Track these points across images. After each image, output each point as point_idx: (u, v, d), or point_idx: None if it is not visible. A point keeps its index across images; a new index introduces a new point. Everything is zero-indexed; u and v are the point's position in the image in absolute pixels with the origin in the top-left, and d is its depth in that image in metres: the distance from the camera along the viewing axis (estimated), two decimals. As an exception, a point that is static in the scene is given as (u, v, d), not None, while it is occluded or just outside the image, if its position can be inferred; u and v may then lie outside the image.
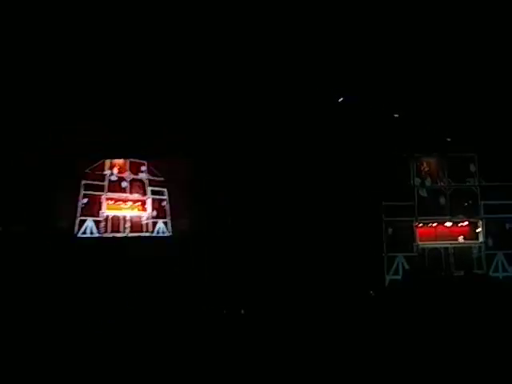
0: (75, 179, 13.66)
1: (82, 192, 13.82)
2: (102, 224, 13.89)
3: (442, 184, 14.94)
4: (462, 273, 12.86)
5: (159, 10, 11.06)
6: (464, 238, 14.69)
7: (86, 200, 13.80)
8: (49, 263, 12.10)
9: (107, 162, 14.17)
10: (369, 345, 6.67)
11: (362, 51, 12.21)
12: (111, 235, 13.91)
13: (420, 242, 14.59)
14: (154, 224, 14.37)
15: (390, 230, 14.53)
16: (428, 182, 14.94)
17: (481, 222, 14.74)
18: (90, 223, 13.74)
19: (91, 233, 13.72)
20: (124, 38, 11.62)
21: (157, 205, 14.49)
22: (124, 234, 13.99)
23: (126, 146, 13.54)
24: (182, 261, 13.09)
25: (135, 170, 14.40)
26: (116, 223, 14.07)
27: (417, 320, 7.28)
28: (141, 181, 14.41)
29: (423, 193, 14.87)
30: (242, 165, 13.66)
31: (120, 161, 14.27)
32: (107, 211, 14.00)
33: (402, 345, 6.57)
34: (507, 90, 13.15)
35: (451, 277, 12.57)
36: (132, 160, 14.37)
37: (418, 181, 14.91)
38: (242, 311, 9.25)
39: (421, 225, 14.71)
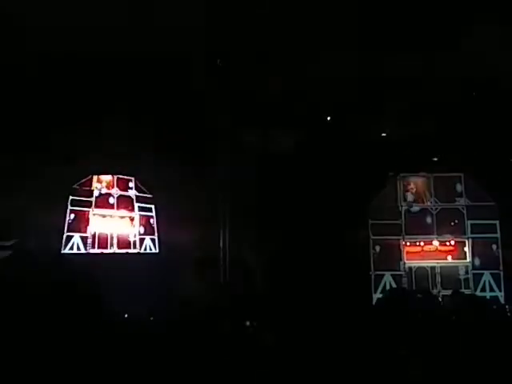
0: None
1: (69, 207, 13.75)
2: (89, 240, 13.82)
3: (428, 203, 15.02)
4: (448, 292, 12.90)
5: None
6: (452, 258, 14.76)
7: (72, 216, 13.73)
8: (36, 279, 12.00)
9: (95, 178, 14.11)
10: (355, 362, 6.65)
11: (351, 70, 12.28)
12: (98, 251, 13.83)
13: (407, 261, 14.65)
14: (142, 241, 14.31)
15: (378, 248, 14.59)
16: (412, 199, 15.01)
17: (467, 242, 14.82)
18: (76, 239, 13.66)
19: (78, 249, 13.65)
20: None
21: (144, 221, 14.43)
22: (111, 251, 13.91)
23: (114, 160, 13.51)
24: (169, 277, 13.04)
25: (123, 186, 14.35)
26: (103, 239, 13.99)
27: (402, 339, 7.27)
28: (128, 197, 14.36)
29: (414, 209, 14.94)
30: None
31: (107, 177, 14.21)
32: (94, 227, 13.93)
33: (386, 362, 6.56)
34: (494, 110, 13.27)
35: (436, 297, 12.56)
36: (120, 176, 14.31)
37: (408, 198, 14.99)
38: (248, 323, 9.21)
39: (408, 243, 14.78)
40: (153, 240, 14.39)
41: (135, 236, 14.28)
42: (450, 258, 14.80)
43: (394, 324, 7.91)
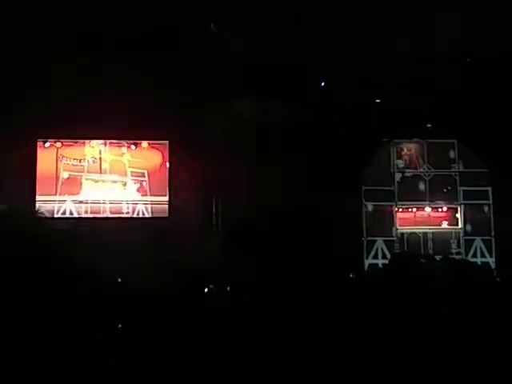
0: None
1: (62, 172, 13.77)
2: (82, 205, 13.84)
3: (421, 170, 15.04)
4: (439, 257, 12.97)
5: None
6: (442, 224, 14.84)
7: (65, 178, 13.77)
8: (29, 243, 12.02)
9: (87, 142, 14.07)
10: (350, 331, 6.65)
11: (346, 35, 12.20)
12: (91, 216, 13.85)
13: (399, 227, 14.71)
14: (134, 206, 14.29)
15: (370, 209, 14.61)
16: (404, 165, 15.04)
17: (459, 208, 14.88)
18: (69, 204, 13.68)
19: (70, 213, 13.68)
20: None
21: (139, 186, 14.39)
22: (104, 215, 13.92)
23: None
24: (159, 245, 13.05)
25: (115, 151, 14.29)
26: (96, 205, 14.00)
27: (398, 305, 7.30)
28: (121, 162, 14.30)
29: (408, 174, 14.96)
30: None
31: (100, 141, 14.15)
32: (87, 192, 13.93)
33: (384, 332, 6.57)
34: (488, 78, 13.23)
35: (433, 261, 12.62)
36: (112, 141, 14.24)
37: (400, 164, 15.00)
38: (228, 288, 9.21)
39: (400, 210, 14.82)
40: (145, 205, 14.34)
41: (127, 201, 14.25)
42: (442, 224, 14.86)
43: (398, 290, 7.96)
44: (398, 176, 14.94)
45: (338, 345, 6.26)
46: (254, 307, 7.75)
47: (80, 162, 13.99)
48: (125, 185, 14.12)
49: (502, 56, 12.70)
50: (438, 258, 13.50)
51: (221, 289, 8.62)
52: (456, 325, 6.46)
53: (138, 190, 14.12)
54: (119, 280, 9.91)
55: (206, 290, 8.89)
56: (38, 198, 13.52)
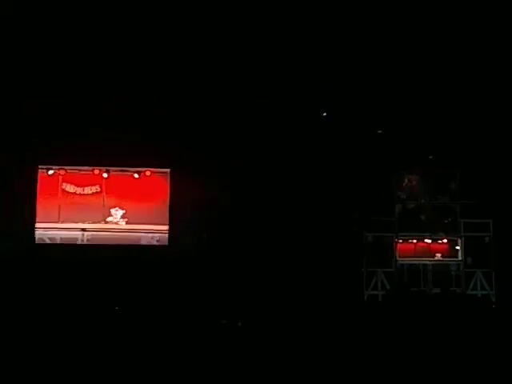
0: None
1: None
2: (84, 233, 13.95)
3: (422, 201, 15.03)
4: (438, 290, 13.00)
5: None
6: (442, 256, 14.77)
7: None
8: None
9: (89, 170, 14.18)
10: (348, 359, 6.70)
11: (346, 67, 12.30)
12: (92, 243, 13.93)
13: (399, 258, 14.67)
14: (135, 234, 14.30)
15: (370, 237, 14.57)
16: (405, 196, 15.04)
17: (460, 240, 14.84)
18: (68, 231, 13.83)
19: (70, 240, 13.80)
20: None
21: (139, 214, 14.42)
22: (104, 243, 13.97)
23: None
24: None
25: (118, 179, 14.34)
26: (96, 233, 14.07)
27: (394, 335, 7.33)
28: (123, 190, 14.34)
29: (409, 206, 14.96)
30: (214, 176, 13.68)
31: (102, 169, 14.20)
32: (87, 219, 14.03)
33: (379, 359, 6.61)
34: (490, 110, 13.29)
35: (428, 294, 12.65)
36: (114, 169, 14.28)
37: (401, 196, 15.01)
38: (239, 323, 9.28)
39: (401, 241, 14.80)
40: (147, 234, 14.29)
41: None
42: (442, 255, 14.81)
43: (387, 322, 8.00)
44: (398, 207, 14.93)
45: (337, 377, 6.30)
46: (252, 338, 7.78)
47: (83, 189, 14.05)
48: (127, 213, 14.16)
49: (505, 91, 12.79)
50: (437, 290, 13.74)
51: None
52: (450, 359, 6.49)
53: (139, 218, 14.18)
54: (116, 308, 9.97)
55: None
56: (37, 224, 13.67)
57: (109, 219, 14.05)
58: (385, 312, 9.36)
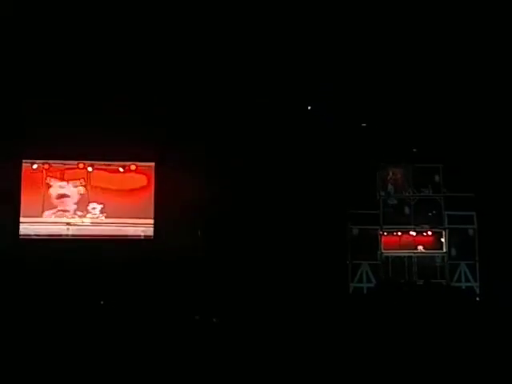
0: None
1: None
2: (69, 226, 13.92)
3: (406, 194, 15.10)
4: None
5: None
6: (425, 248, 14.87)
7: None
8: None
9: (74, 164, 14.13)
10: (333, 354, 6.71)
11: (331, 60, 12.33)
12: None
13: (384, 251, 14.74)
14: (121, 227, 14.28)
15: (356, 233, 14.65)
16: (391, 190, 15.09)
17: (444, 232, 14.93)
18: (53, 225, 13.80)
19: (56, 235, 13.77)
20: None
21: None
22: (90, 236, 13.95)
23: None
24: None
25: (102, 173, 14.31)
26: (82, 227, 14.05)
27: (380, 328, 7.36)
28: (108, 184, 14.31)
29: (392, 201, 15.02)
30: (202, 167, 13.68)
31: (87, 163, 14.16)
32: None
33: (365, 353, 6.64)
34: (473, 102, 13.36)
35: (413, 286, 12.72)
36: (99, 163, 14.25)
37: (388, 188, 15.06)
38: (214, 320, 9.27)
39: (385, 233, 14.87)
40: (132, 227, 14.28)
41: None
42: (425, 248, 14.90)
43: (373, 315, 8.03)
44: (383, 200, 15.00)
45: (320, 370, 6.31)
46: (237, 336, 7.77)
47: (68, 183, 14.01)
48: (111, 206, 14.13)
49: (488, 83, 12.85)
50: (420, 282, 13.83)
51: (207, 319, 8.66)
52: (437, 350, 6.53)
53: (123, 212, 14.16)
54: (102, 302, 9.96)
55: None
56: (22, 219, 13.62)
57: (93, 213, 14.03)
58: (374, 304, 9.38)
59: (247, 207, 13.63)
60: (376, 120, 14.08)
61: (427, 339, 6.86)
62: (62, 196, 13.97)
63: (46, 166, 13.92)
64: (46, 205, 13.85)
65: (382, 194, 15.02)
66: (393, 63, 12.46)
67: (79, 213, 14.00)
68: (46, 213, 13.82)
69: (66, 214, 13.93)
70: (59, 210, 13.91)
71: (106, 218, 14.06)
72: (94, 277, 12.54)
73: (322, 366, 6.43)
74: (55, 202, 13.92)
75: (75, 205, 14.01)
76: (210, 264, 13.33)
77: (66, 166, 14.06)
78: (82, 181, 14.05)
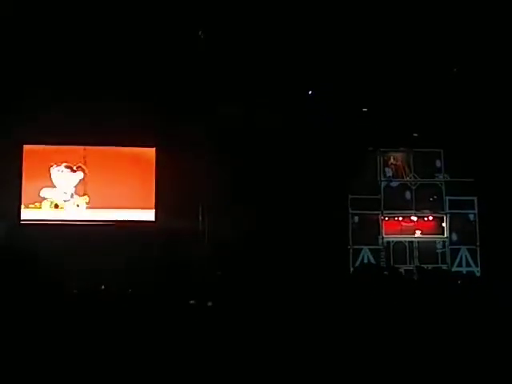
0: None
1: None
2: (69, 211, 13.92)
3: (407, 179, 15.10)
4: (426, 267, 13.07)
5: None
6: (426, 233, 14.88)
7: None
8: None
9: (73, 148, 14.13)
10: (334, 339, 6.68)
11: (331, 44, 12.27)
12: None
13: (385, 236, 14.76)
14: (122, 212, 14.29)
15: (356, 218, 14.67)
16: (391, 174, 15.10)
17: (445, 217, 14.94)
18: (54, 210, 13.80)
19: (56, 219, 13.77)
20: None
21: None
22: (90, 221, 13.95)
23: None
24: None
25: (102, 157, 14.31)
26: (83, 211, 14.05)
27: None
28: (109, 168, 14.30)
29: (393, 184, 15.02)
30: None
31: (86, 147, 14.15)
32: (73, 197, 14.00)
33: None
34: (474, 87, 13.32)
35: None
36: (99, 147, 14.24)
37: (387, 173, 15.06)
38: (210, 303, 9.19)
39: (386, 218, 14.88)
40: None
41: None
42: (423, 233, 14.91)
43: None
44: (384, 185, 14.99)
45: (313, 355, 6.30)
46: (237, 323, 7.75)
47: (67, 168, 14.00)
48: (111, 190, 14.13)
49: (489, 67, 12.80)
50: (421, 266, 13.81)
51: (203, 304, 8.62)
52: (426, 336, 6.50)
53: (125, 196, 14.16)
54: (103, 287, 9.94)
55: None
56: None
57: (92, 198, 14.06)
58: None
59: (248, 193, 13.59)
60: (376, 105, 14.01)
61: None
62: (61, 180, 13.94)
63: (47, 151, 13.88)
64: (46, 189, 13.84)
65: (383, 178, 15.01)
66: (393, 47, 12.38)
67: (78, 197, 13.97)
68: (47, 196, 13.80)
69: (66, 198, 13.91)
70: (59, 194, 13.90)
71: (105, 202, 14.02)
72: (95, 261, 12.53)
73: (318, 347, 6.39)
74: (55, 185, 13.91)
75: (74, 188, 13.99)
76: (210, 248, 13.35)
77: (66, 148, 14.02)
78: (81, 165, 14.02)
